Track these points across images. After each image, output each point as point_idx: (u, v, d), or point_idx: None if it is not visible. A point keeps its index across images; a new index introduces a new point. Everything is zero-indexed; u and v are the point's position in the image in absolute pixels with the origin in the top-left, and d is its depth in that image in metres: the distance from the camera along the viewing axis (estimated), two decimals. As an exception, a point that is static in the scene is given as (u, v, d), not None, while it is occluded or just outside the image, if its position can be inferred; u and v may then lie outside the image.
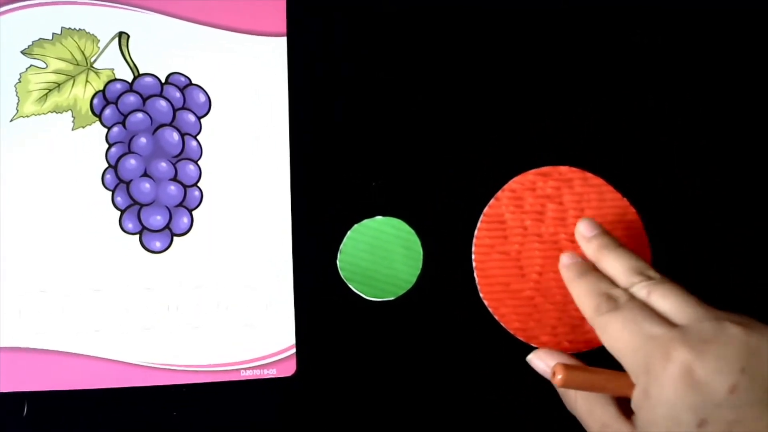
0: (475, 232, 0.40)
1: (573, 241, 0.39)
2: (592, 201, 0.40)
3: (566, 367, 0.33)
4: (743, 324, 0.30)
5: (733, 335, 0.30)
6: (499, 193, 0.40)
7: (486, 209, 0.40)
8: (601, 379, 0.33)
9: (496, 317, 0.40)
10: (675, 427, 0.29)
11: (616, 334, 0.32)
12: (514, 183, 0.40)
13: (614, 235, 0.38)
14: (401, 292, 0.40)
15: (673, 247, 0.41)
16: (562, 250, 0.39)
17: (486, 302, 0.40)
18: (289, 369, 0.39)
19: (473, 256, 0.40)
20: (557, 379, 0.33)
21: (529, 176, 0.40)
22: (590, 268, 0.36)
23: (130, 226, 0.39)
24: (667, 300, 0.32)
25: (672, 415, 0.29)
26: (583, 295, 0.35)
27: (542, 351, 0.37)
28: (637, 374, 0.31)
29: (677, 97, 0.42)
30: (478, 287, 0.40)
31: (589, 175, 0.40)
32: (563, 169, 0.40)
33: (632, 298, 0.33)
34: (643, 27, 0.42)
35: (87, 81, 0.39)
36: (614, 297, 0.33)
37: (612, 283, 0.35)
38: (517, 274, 0.40)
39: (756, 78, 0.42)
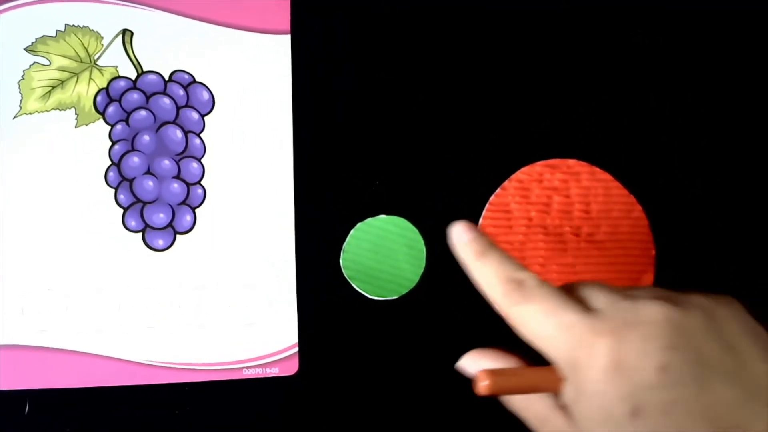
0: (480, 220, 0.40)
1: (578, 235, 0.39)
2: (599, 196, 0.40)
3: (492, 372, 0.30)
4: (662, 299, 0.29)
5: (654, 314, 0.28)
6: (506, 183, 0.40)
7: (492, 198, 0.40)
8: (531, 379, 0.30)
9: (498, 308, 0.39)
10: (609, 420, 0.27)
11: (533, 326, 0.30)
12: (521, 173, 0.40)
13: (619, 231, 0.37)
14: (404, 291, 0.40)
15: (678, 247, 0.41)
16: (566, 243, 0.39)
17: (488, 292, 0.39)
18: (291, 368, 0.39)
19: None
20: (483, 386, 0.30)
21: (537, 167, 0.40)
22: (489, 245, 0.32)
23: (132, 223, 0.39)
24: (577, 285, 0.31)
25: (605, 408, 0.27)
26: (486, 281, 0.31)
27: (475, 351, 0.33)
28: (565, 369, 0.29)
29: (680, 98, 0.42)
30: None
31: (597, 169, 0.40)
32: (571, 162, 0.40)
33: (541, 282, 0.31)
34: (644, 27, 0.42)
35: (90, 78, 0.39)
36: (522, 282, 0.30)
37: (516, 263, 0.32)
38: None
39: (757, 78, 0.42)
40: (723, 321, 0.29)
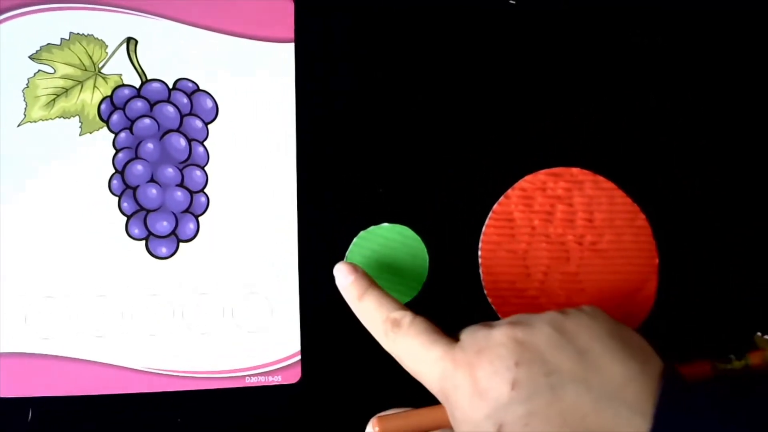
0: (483, 228, 0.40)
1: (581, 243, 0.39)
2: (603, 204, 0.40)
3: (382, 418, 0.33)
4: (509, 323, 0.31)
5: (499, 335, 0.30)
6: (510, 191, 0.40)
7: (495, 206, 0.40)
8: (422, 416, 0.33)
9: (500, 316, 0.39)
10: None
11: (411, 361, 0.33)
12: (524, 182, 0.40)
13: (623, 240, 0.38)
14: (407, 300, 0.40)
15: (681, 255, 0.40)
16: (570, 252, 0.39)
17: (490, 299, 0.39)
18: (294, 376, 0.39)
19: (479, 253, 0.40)
20: None
21: (540, 176, 0.40)
22: (369, 287, 0.36)
23: (136, 231, 0.39)
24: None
25: (476, 431, 0.29)
26: (367, 321, 0.35)
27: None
28: (441, 401, 0.31)
29: (685, 106, 0.42)
30: (483, 284, 0.40)
31: (600, 178, 0.40)
32: (575, 170, 0.40)
33: (414, 317, 0.33)
34: (642, 27, 0.42)
35: (95, 86, 0.39)
36: (398, 321, 0.33)
37: (392, 302, 0.35)
38: (523, 273, 0.39)
39: (757, 78, 0.42)
40: (573, 331, 0.30)
